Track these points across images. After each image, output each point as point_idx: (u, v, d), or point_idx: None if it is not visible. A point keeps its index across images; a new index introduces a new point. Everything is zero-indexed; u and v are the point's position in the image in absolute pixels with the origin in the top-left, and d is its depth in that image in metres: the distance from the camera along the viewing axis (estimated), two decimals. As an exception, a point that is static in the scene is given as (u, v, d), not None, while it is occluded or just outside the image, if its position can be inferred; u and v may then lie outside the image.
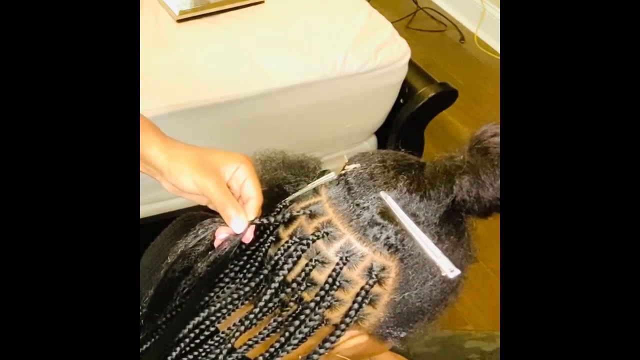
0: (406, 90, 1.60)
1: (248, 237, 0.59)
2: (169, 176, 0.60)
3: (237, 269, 0.60)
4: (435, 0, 2.90)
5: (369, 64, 1.48)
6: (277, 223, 0.59)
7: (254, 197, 0.59)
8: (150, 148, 0.60)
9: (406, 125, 1.60)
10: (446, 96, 1.60)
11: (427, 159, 0.59)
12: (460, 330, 1.01)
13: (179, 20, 1.51)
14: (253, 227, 0.59)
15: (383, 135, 1.68)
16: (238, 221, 0.57)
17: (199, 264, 0.58)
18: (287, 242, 0.57)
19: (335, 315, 0.56)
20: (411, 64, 1.57)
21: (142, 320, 0.60)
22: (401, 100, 1.61)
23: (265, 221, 0.58)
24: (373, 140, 1.72)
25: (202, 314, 0.58)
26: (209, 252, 0.58)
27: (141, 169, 0.62)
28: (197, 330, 0.58)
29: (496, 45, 2.64)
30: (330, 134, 1.61)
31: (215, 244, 0.59)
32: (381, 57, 1.50)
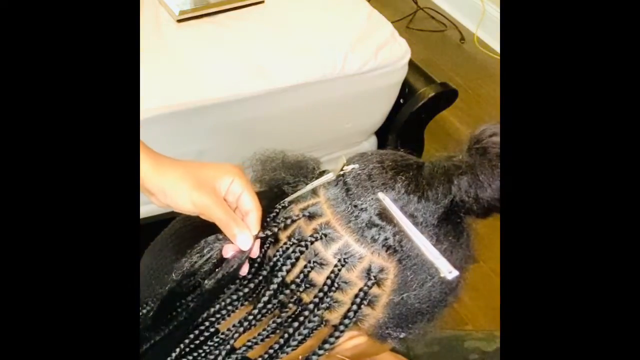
0: (406, 90, 1.60)
1: (255, 252, 0.58)
2: (163, 197, 0.58)
3: (236, 270, 0.60)
4: (435, 0, 2.90)
5: (369, 64, 1.48)
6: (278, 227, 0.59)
7: (253, 210, 0.58)
8: (140, 166, 0.58)
9: (406, 125, 1.60)
10: (446, 96, 1.59)
11: (427, 159, 0.59)
12: (460, 330, 1.01)
13: (179, 20, 1.51)
14: (259, 241, 0.59)
15: (383, 135, 1.68)
16: (243, 238, 0.57)
17: (206, 281, 0.58)
18: (285, 243, 0.57)
19: (334, 317, 0.56)
20: (411, 64, 1.57)
21: (145, 332, 0.59)
22: (401, 100, 1.61)
23: (269, 232, 0.58)
24: (373, 140, 1.71)
25: (202, 315, 0.59)
26: (216, 270, 0.58)
27: None
28: (197, 331, 0.58)
29: (496, 45, 2.64)
30: (330, 134, 1.61)
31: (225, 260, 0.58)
32: (381, 57, 1.50)
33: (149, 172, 0.58)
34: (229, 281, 0.58)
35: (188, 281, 0.58)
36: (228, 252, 0.58)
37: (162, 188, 0.58)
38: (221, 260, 0.58)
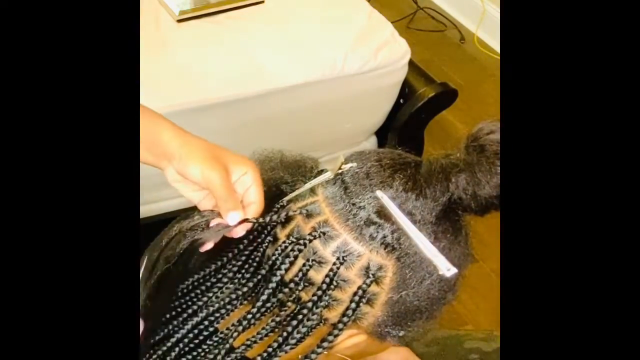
0: (406, 90, 1.60)
1: (237, 232, 0.59)
2: (178, 162, 0.59)
3: (235, 269, 0.60)
4: (435, 0, 2.90)
5: (369, 64, 1.48)
6: (274, 223, 0.59)
7: (256, 202, 0.59)
8: (162, 133, 0.60)
9: (406, 125, 1.60)
10: (446, 96, 1.60)
11: (426, 158, 0.59)
12: (460, 330, 1.01)
13: (179, 20, 1.51)
14: (247, 225, 0.59)
15: (383, 135, 1.68)
16: (234, 215, 0.57)
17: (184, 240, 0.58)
18: (284, 242, 0.57)
19: (333, 315, 0.56)
20: (411, 64, 1.57)
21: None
22: (401, 100, 1.61)
23: (261, 220, 0.58)
24: (373, 140, 1.72)
25: (201, 314, 0.59)
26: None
27: (149, 156, 0.61)
28: (196, 331, 0.58)
29: (496, 45, 2.64)
30: (330, 134, 1.62)
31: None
32: (381, 57, 1.50)
33: (171, 136, 0.59)
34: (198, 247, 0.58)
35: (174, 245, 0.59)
36: (214, 222, 0.58)
37: (180, 153, 0.59)
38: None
